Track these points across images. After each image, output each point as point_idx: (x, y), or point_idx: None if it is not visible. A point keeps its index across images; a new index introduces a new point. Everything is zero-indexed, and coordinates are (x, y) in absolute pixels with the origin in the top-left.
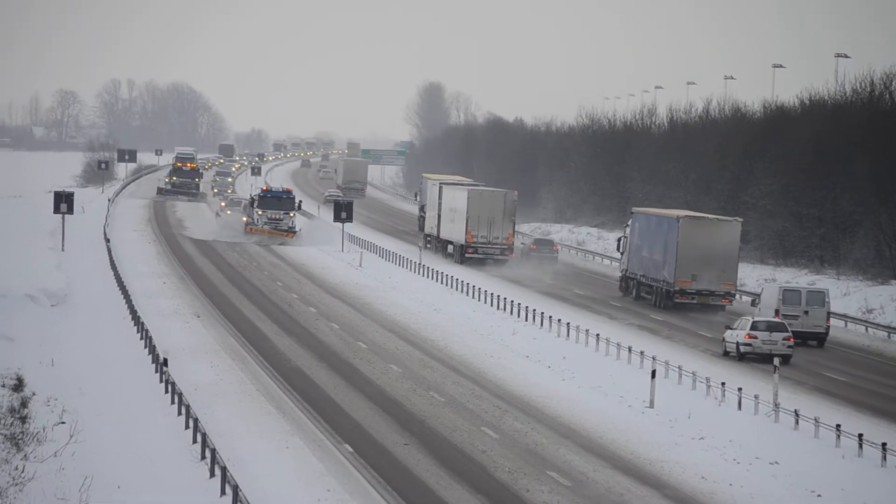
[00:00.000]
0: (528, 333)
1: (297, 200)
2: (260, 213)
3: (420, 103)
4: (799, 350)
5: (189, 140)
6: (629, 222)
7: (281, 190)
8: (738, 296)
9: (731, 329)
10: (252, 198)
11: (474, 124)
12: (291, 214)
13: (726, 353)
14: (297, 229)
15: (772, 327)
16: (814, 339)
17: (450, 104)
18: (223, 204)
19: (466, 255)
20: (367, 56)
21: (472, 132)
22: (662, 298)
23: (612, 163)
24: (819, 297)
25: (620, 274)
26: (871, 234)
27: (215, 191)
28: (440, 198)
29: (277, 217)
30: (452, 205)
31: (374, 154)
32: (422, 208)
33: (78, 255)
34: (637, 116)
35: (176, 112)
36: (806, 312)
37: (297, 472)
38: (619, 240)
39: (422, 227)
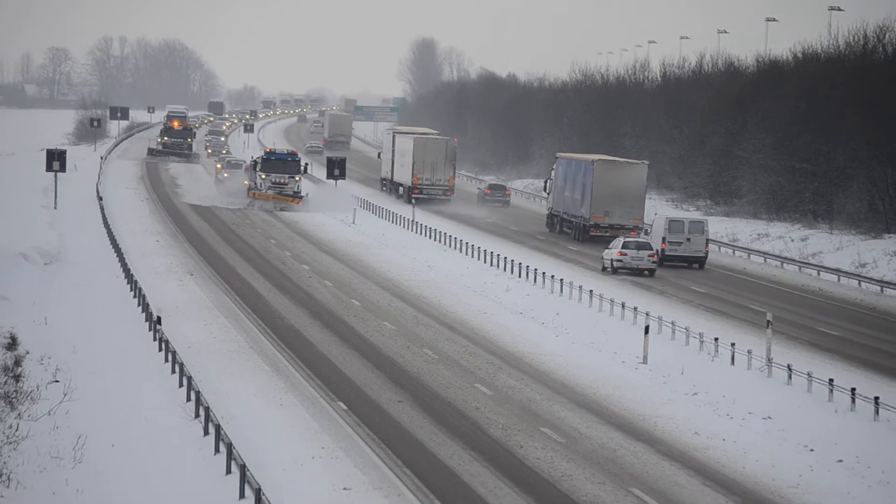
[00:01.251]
0: (521, 290)
1: (303, 163)
2: (263, 176)
3: (413, 59)
4: (791, 305)
5: (181, 97)
6: (554, 166)
7: (286, 152)
8: (646, 229)
9: (608, 249)
10: (254, 160)
11: (467, 80)
12: (297, 178)
13: (604, 269)
14: (303, 194)
15: (639, 246)
16: (696, 262)
17: (442, 60)
18: (219, 166)
19: (412, 196)
20: (360, 12)
21: (464, 88)
22: (580, 232)
23: (605, 118)
24: (699, 226)
25: (547, 212)
26: (864, 188)
27: (209, 151)
28: (393, 145)
29: (282, 181)
30: (402, 151)
31: (367, 111)
32: (378, 155)
33: (71, 214)
34: (630, 71)
35: (168, 69)
36: (688, 239)
37: (291, 429)
38: (545, 182)
39: None
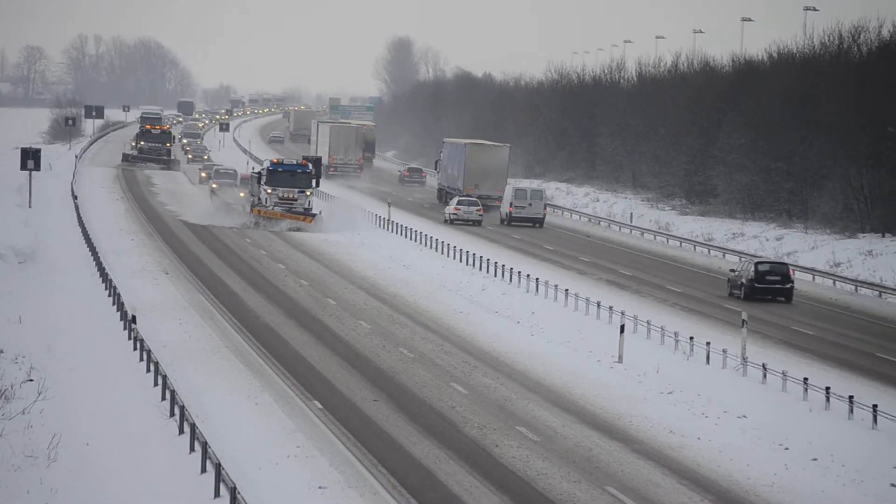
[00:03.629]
0: (497, 289)
1: (315, 176)
2: (269, 191)
3: (389, 58)
4: (766, 304)
5: (157, 96)
6: (442, 149)
7: (295, 163)
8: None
9: (447, 206)
10: (258, 172)
11: (443, 79)
12: (308, 193)
13: (445, 221)
14: (315, 212)
15: (469, 203)
16: (536, 222)
17: (418, 59)
18: (204, 175)
19: (329, 172)
20: (338, 11)
21: (440, 87)
22: (482, 208)
23: (581, 117)
24: (539, 194)
25: (437, 187)
26: (839, 188)
27: (189, 157)
28: (318, 132)
29: (290, 196)
30: (323, 137)
31: (343, 109)
32: (308, 140)
33: (45, 212)
34: (606, 71)
35: (144, 68)
36: (530, 204)
37: (266, 428)
38: (436, 162)
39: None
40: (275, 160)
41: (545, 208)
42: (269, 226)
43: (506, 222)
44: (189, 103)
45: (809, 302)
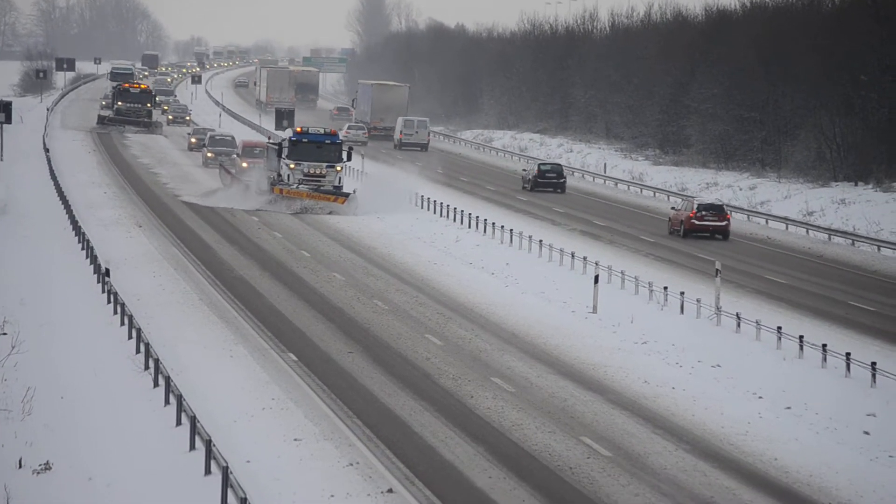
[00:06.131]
0: (471, 240)
1: (346, 148)
2: (292, 166)
3: (361, 10)
4: (739, 253)
5: (128, 49)
6: (358, 89)
7: (322, 132)
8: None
9: (339, 130)
10: (277, 143)
11: (416, 31)
12: (338, 168)
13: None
14: (348, 191)
15: (357, 128)
16: (421, 147)
17: (391, 10)
18: (194, 140)
19: (267, 109)
20: None
21: (413, 39)
22: (367, 132)
23: (554, 69)
24: (423, 124)
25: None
26: (812, 137)
27: (170, 117)
28: (259, 76)
29: (318, 172)
30: (262, 79)
31: (315, 62)
32: (254, 83)
33: (17, 166)
34: (579, 21)
35: (114, 20)
36: (416, 132)
37: (241, 380)
38: (352, 100)
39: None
40: (298, 129)
41: (429, 136)
42: (292, 206)
43: (397, 147)
44: (154, 56)
45: (783, 251)
